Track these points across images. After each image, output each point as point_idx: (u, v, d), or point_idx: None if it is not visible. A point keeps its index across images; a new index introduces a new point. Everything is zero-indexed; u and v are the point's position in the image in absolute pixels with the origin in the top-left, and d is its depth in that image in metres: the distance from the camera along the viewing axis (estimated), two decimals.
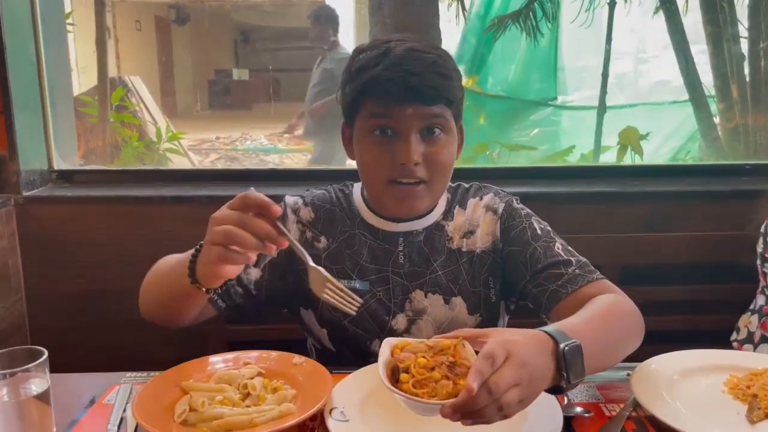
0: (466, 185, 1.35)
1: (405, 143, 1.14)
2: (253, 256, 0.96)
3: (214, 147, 6.27)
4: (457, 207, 1.31)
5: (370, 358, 1.22)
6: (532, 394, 0.85)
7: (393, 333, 1.24)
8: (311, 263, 0.99)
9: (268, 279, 1.24)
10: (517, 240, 1.25)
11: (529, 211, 1.30)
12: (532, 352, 0.85)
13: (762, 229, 1.50)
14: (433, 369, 0.91)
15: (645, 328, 1.12)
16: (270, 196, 1.81)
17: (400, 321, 1.24)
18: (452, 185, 1.33)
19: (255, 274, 1.24)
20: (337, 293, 0.99)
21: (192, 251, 1.04)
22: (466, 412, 0.79)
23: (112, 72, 4.30)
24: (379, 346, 0.95)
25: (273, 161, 6.24)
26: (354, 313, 1.01)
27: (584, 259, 1.21)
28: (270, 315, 1.34)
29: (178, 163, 3.55)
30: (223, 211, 0.94)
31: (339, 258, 1.26)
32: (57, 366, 0.91)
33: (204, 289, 1.03)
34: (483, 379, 0.79)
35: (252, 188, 0.94)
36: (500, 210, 1.29)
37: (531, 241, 1.23)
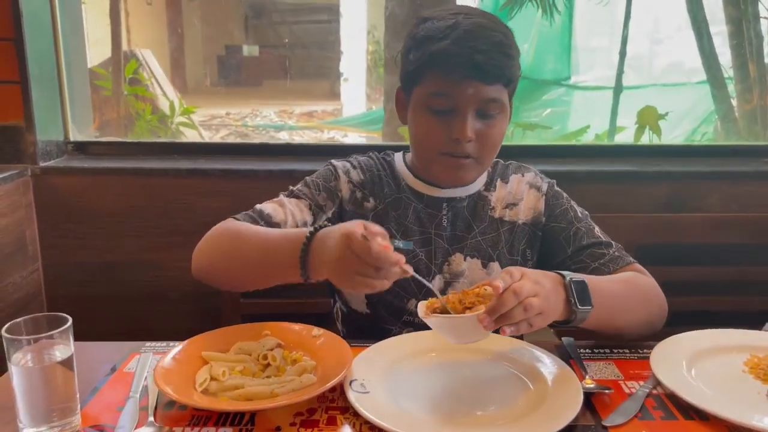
0: (505, 162, 1.39)
1: (461, 121, 1.16)
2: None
3: (225, 123, 6.25)
4: (498, 180, 1.35)
5: (404, 316, 1.26)
6: (550, 311, 0.97)
7: (430, 293, 1.24)
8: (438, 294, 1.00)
9: None
10: (562, 218, 1.32)
11: (567, 195, 1.37)
12: (544, 278, 0.99)
13: None
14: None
15: None
16: (287, 170, 1.81)
17: (437, 282, 1.27)
18: None
19: None
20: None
21: (300, 244, 1.00)
22: (498, 316, 0.91)
23: (123, 46, 4.27)
24: (415, 306, 1.04)
25: (283, 138, 6.23)
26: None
27: (619, 244, 1.29)
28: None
29: (191, 137, 3.54)
30: (361, 264, 0.92)
31: (385, 219, 1.29)
32: (73, 335, 0.91)
33: (309, 279, 1.02)
34: (506, 285, 0.92)
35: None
36: (544, 188, 1.35)
37: (574, 221, 1.31)
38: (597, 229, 1.31)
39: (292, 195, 1.28)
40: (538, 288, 0.95)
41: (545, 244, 1.33)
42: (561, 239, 1.30)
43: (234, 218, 1.22)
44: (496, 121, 1.20)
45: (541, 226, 1.33)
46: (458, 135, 1.16)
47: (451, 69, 1.14)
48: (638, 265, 1.26)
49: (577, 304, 1.02)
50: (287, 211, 1.23)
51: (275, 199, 1.27)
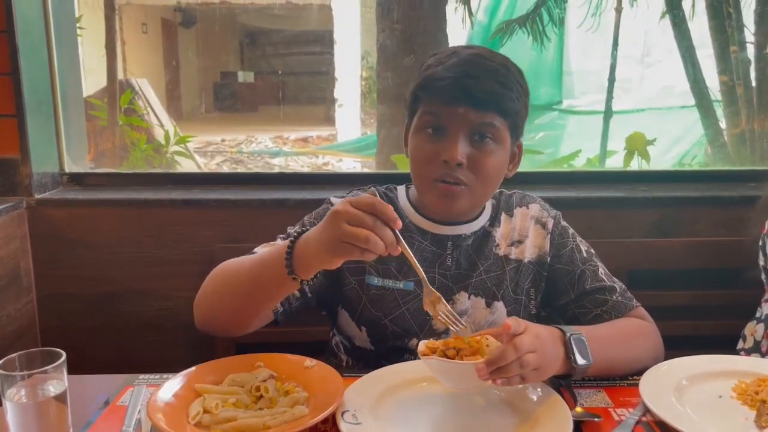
0: (508, 192, 1.38)
1: (451, 142, 1.16)
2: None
3: (220, 149, 6.30)
4: (503, 214, 1.34)
5: (406, 354, 1.26)
6: (546, 367, 1.00)
7: (432, 333, 1.26)
8: (426, 282, 1.03)
9: (321, 281, 1.24)
10: (568, 260, 1.31)
11: (573, 230, 1.36)
12: (544, 332, 1.02)
13: (760, 243, 1.52)
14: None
15: None
16: (281, 199, 1.83)
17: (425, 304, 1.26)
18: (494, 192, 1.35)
19: None
20: (447, 314, 1.03)
21: (285, 247, 1.06)
22: (495, 368, 0.93)
23: (119, 75, 4.33)
24: (416, 346, 1.04)
25: (278, 163, 6.27)
26: (463, 328, 1.03)
27: (623, 285, 1.29)
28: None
29: (185, 165, 3.57)
30: (353, 211, 0.96)
31: (385, 258, 1.27)
32: (67, 367, 0.92)
33: (300, 280, 1.05)
34: (514, 331, 0.95)
35: (374, 191, 0.99)
36: (550, 226, 1.33)
37: (579, 263, 1.30)
38: (601, 270, 1.30)
39: (288, 238, 1.28)
40: (538, 344, 0.97)
41: (549, 285, 1.32)
42: (565, 282, 1.29)
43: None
44: (491, 149, 1.18)
45: (546, 266, 1.31)
46: (447, 156, 1.15)
47: (439, 92, 1.15)
48: (641, 310, 1.27)
49: (577, 360, 1.03)
50: None
51: (271, 243, 1.27)
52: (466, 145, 1.16)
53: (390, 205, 0.97)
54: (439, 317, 1.03)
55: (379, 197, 1.32)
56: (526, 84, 1.21)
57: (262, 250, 1.25)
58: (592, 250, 1.34)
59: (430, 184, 1.20)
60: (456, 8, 3.37)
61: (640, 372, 1.11)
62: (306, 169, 5.59)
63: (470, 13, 3.36)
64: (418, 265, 1.02)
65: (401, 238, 0.98)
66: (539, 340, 0.98)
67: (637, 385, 1.07)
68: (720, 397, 1.06)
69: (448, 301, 1.25)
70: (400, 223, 0.97)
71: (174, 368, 1.12)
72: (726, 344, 1.53)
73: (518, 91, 1.18)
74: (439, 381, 1.06)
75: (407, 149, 1.28)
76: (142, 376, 1.16)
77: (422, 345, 1.03)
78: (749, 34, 3.04)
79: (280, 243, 1.24)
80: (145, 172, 2.13)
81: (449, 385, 1.04)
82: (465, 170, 1.17)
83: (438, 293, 1.03)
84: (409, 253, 1.00)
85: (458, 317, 1.03)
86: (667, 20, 3.34)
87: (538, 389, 1.06)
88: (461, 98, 1.14)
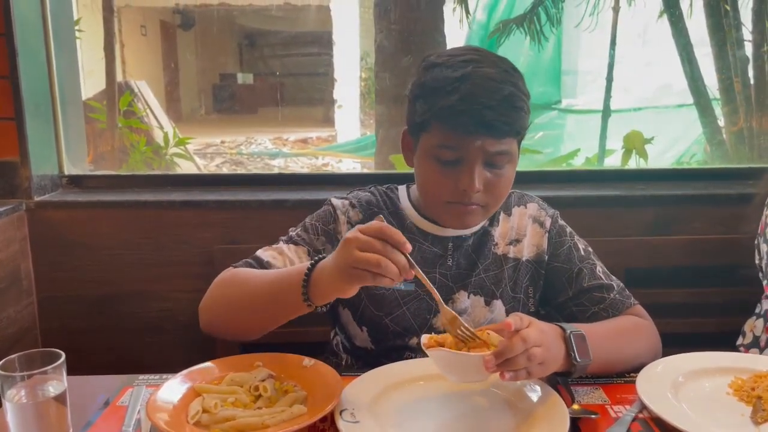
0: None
1: (469, 172, 1.15)
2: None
3: (219, 151, 6.31)
4: (501, 213, 1.34)
5: (407, 353, 1.27)
6: (550, 362, 1.01)
7: (432, 331, 1.26)
8: (443, 303, 1.04)
9: None
10: (565, 258, 1.31)
11: (571, 228, 1.36)
12: (547, 329, 1.03)
13: (756, 242, 1.53)
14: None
15: None
16: (281, 200, 1.83)
17: (440, 320, 1.26)
18: None
19: None
20: (465, 332, 1.03)
21: (302, 275, 1.06)
22: (503, 360, 0.94)
23: (118, 77, 4.33)
24: (417, 344, 1.06)
25: (278, 165, 6.27)
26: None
27: (621, 283, 1.30)
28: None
29: (185, 167, 3.58)
30: (363, 237, 0.97)
31: None
32: (67, 368, 0.92)
33: (315, 307, 1.07)
34: (516, 328, 0.95)
35: (382, 217, 1.01)
36: (548, 224, 1.34)
37: (577, 262, 1.31)
38: (599, 268, 1.31)
39: (290, 241, 1.28)
40: (543, 338, 0.98)
41: (547, 283, 1.33)
42: (563, 280, 1.30)
43: (233, 266, 1.24)
44: (504, 170, 1.19)
45: (544, 264, 1.32)
46: (466, 186, 1.15)
47: (460, 126, 1.13)
48: (639, 307, 1.28)
49: (577, 357, 1.04)
50: (286, 259, 1.24)
51: (274, 246, 1.28)
52: (483, 171, 1.16)
53: (398, 230, 0.98)
54: (459, 335, 1.03)
55: (379, 197, 1.34)
56: (527, 89, 1.20)
57: (264, 254, 1.26)
58: (590, 249, 1.35)
59: (444, 205, 1.21)
60: (454, 9, 3.37)
61: (638, 369, 1.12)
62: (305, 170, 5.59)
63: (467, 13, 3.36)
64: (432, 287, 1.03)
65: (413, 262, 0.99)
66: (544, 335, 0.99)
67: (633, 382, 1.07)
68: (716, 393, 1.06)
69: (447, 301, 1.27)
70: (409, 247, 0.98)
71: (174, 369, 1.12)
72: (724, 341, 1.54)
73: (527, 105, 1.18)
74: (438, 378, 1.07)
75: (410, 160, 1.27)
76: (141, 376, 1.17)
77: (426, 338, 1.03)
78: (747, 32, 3.04)
79: (292, 255, 1.25)
80: (145, 174, 2.14)
81: (453, 379, 1.04)
82: (481, 194, 1.17)
83: (454, 313, 1.03)
84: (423, 276, 1.01)
85: (475, 334, 1.03)
86: (664, 19, 3.35)
87: (536, 387, 1.07)
88: (480, 130, 1.12)
